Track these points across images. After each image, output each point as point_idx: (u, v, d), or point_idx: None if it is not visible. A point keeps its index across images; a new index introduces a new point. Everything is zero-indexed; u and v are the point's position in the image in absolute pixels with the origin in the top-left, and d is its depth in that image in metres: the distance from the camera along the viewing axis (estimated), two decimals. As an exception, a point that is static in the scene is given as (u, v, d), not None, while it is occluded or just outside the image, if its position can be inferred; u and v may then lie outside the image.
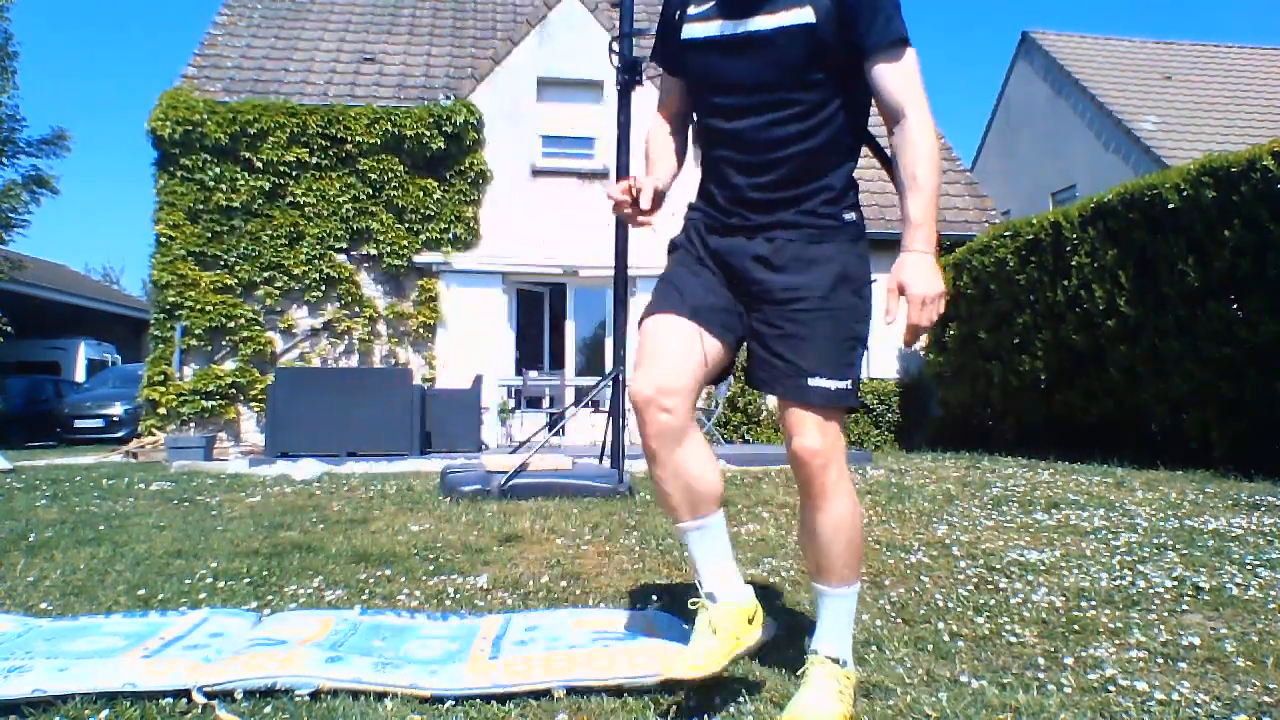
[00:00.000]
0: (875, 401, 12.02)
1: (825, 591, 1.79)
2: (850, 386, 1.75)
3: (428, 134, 11.44)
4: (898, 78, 1.71)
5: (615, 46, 5.57)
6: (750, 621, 1.79)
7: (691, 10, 1.82)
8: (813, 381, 1.71)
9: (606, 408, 6.30)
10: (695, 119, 1.94)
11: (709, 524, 1.82)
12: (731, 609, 1.76)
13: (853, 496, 1.78)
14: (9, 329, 15.04)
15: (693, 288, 1.83)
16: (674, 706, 1.74)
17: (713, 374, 1.84)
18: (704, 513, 1.80)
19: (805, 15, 1.68)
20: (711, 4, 1.79)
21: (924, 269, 1.66)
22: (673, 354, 1.77)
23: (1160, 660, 2.01)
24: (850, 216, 1.82)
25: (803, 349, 1.73)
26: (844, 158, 1.83)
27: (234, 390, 11.19)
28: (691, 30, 1.81)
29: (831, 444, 1.72)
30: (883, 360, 12.45)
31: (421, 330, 11.61)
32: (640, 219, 1.83)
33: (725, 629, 1.73)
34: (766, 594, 2.66)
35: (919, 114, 1.71)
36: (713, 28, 1.77)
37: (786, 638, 2.21)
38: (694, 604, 1.81)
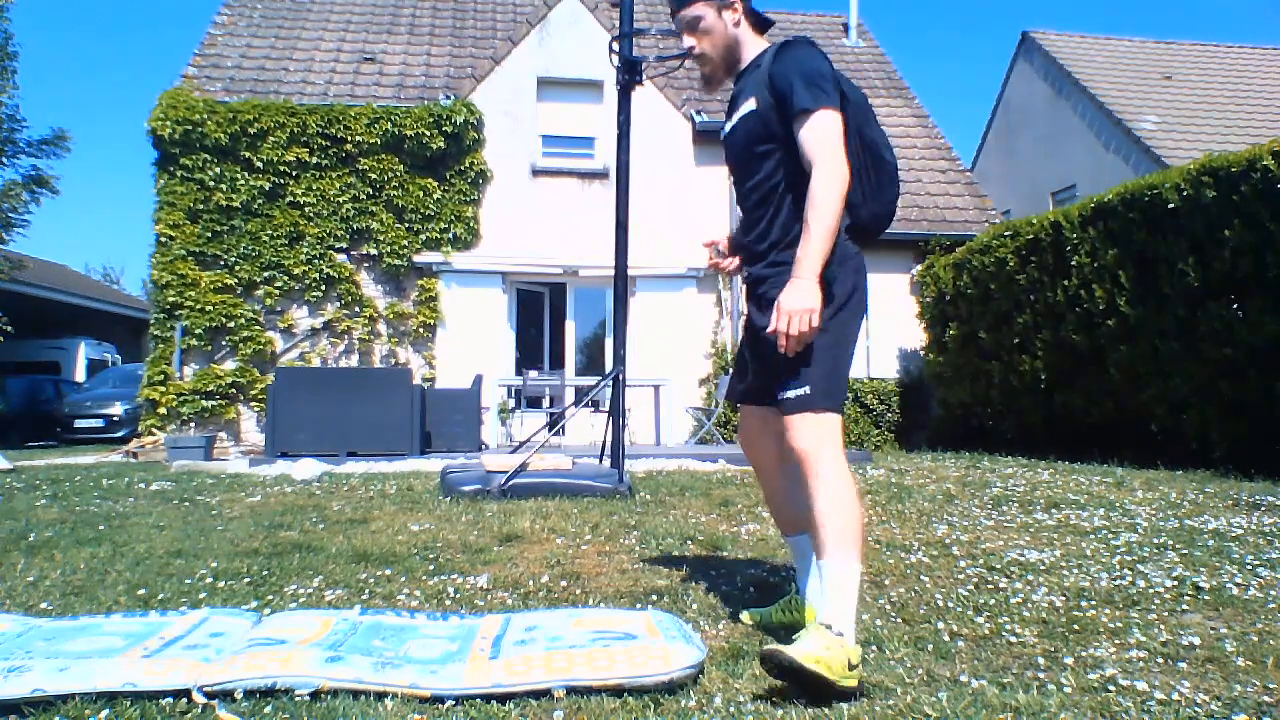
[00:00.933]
0: (875, 401, 12.01)
1: (819, 564, 2.01)
2: (809, 392, 2.04)
3: (428, 134, 11.44)
4: (806, 140, 2.06)
5: (615, 46, 5.56)
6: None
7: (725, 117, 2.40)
8: (781, 394, 2.08)
9: (606, 408, 6.29)
10: None
11: (795, 542, 2.37)
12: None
13: (841, 481, 2.01)
14: (9, 329, 15.04)
15: (735, 380, 2.43)
16: (674, 706, 1.74)
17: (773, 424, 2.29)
18: (790, 533, 2.38)
19: (751, 105, 2.18)
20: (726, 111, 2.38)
21: (795, 290, 1.99)
22: (745, 424, 2.46)
23: (1160, 660, 2.01)
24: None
25: (771, 369, 2.13)
26: (800, 215, 2.10)
27: (234, 390, 11.20)
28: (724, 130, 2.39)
29: (811, 436, 2.04)
30: (883, 360, 12.46)
31: (421, 330, 11.62)
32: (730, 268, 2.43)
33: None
34: (767, 594, 2.67)
35: (821, 170, 2.02)
36: (725, 126, 2.34)
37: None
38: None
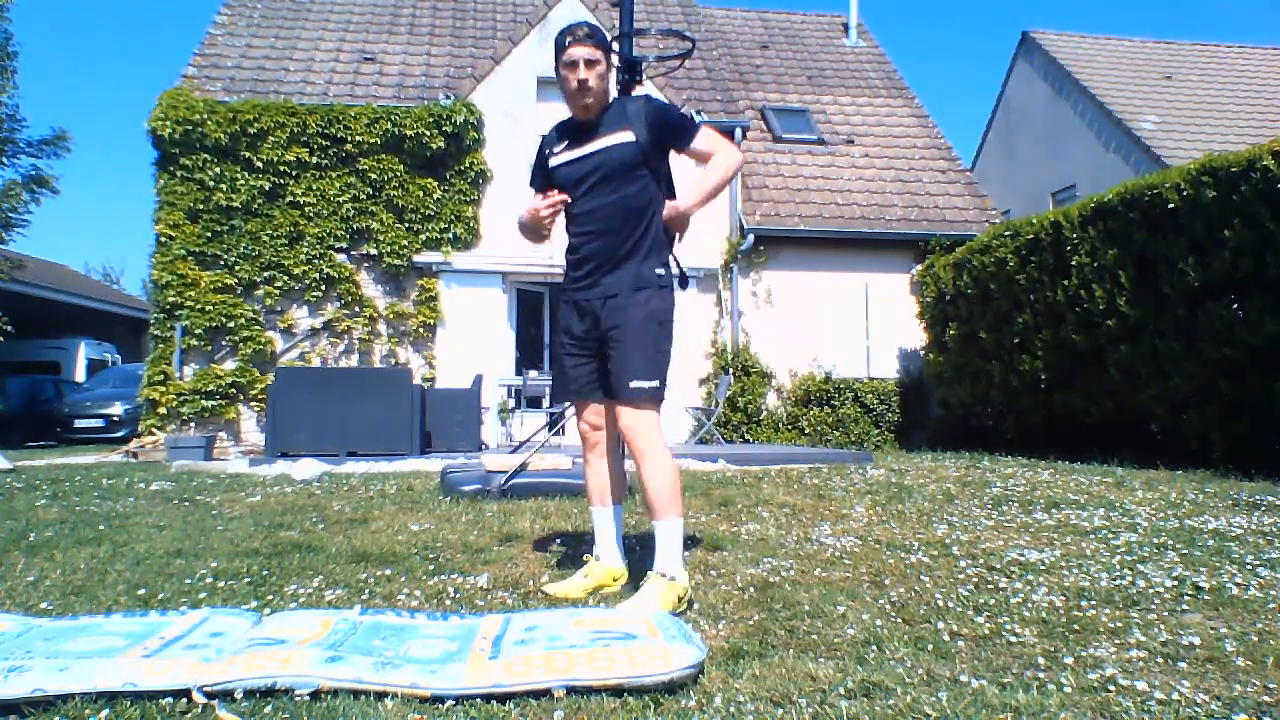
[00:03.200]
0: (875, 401, 12.01)
1: (655, 525, 2.58)
2: (659, 385, 2.63)
3: (428, 134, 11.44)
4: (704, 142, 2.72)
5: (615, 46, 5.55)
6: (615, 580, 2.76)
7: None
8: (633, 384, 2.59)
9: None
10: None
11: (608, 511, 2.83)
12: (604, 566, 2.79)
13: (664, 454, 2.60)
14: (9, 329, 15.03)
15: (579, 374, 2.77)
16: (674, 706, 1.74)
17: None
18: (606, 504, 2.84)
19: (628, 136, 2.67)
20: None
21: (680, 213, 2.73)
22: (588, 414, 2.83)
23: (1160, 660, 2.01)
24: (659, 271, 2.68)
25: (623, 363, 2.60)
26: (660, 236, 2.72)
27: (234, 390, 11.19)
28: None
29: (643, 421, 2.60)
30: (883, 360, 12.46)
31: (421, 330, 11.62)
32: (546, 225, 2.73)
33: (594, 576, 2.74)
34: (767, 593, 2.67)
35: (724, 152, 2.72)
36: (580, 150, 2.73)
37: (786, 638, 2.21)
38: (585, 558, 2.95)
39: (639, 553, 3.36)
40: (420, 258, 11.58)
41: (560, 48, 2.69)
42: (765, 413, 12.03)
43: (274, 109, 11.33)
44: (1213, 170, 6.49)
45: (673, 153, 2.80)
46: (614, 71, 2.80)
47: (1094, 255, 7.69)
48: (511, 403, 11.70)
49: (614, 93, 2.88)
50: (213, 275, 11.14)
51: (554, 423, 8.26)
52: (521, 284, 12.19)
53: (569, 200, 2.71)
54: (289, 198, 11.34)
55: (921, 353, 11.62)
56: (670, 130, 2.70)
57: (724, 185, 2.72)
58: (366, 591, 2.75)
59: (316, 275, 11.35)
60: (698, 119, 12.37)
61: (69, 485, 6.12)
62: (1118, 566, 3.01)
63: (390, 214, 11.52)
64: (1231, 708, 1.70)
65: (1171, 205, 6.81)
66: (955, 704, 1.72)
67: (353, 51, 13.19)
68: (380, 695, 1.76)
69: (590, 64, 2.67)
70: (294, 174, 11.33)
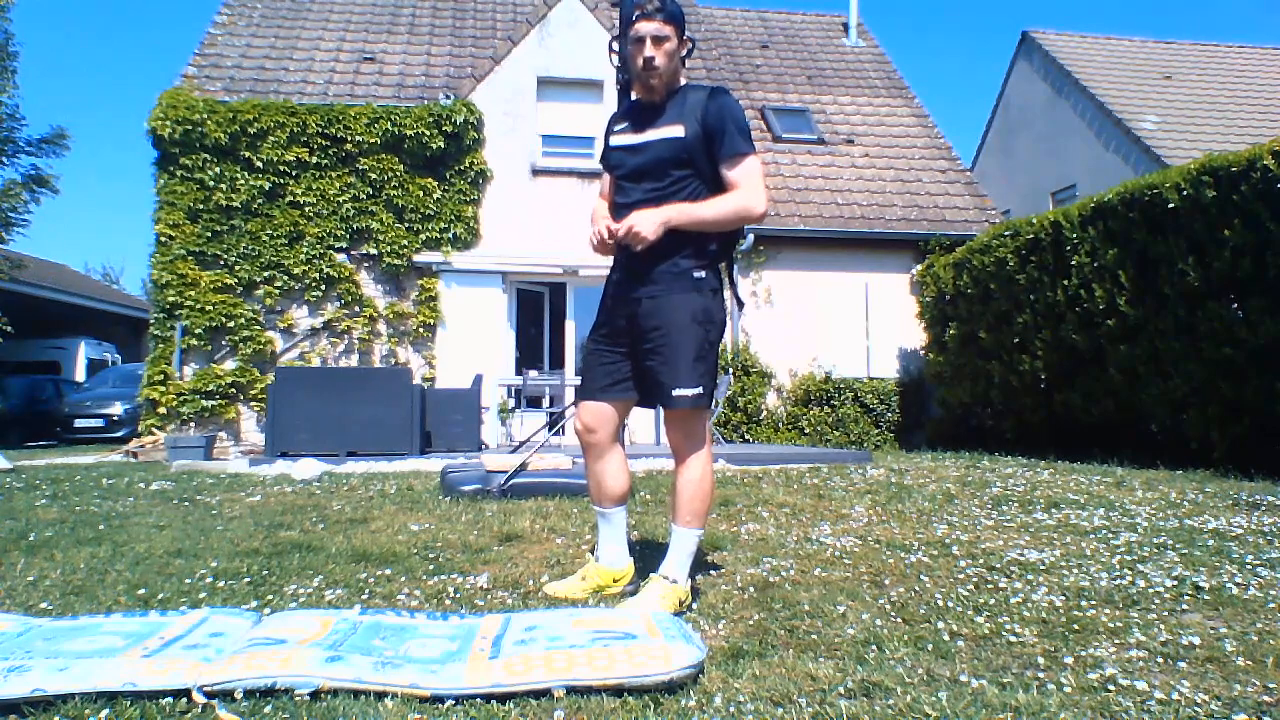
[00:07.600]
0: (875, 401, 12.01)
1: (673, 529, 2.61)
2: (701, 392, 2.52)
3: (428, 134, 11.44)
4: (740, 174, 2.54)
5: (615, 46, 5.56)
6: (615, 581, 2.72)
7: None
8: (676, 392, 2.51)
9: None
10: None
11: (610, 513, 2.75)
12: (602, 568, 2.74)
13: (705, 465, 2.61)
14: (9, 329, 15.03)
15: (598, 375, 2.67)
16: (674, 706, 1.74)
17: (623, 414, 2.74)
18: (609, 505, 2.74)
19: (679, 131, 2.55)
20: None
21: (647, 214, 2.48)
22: (602, 414, 2.71)
23: (1160, 660, 2.01)
24: (699, 274, 2.56)
25: (664, 369, 2.52)
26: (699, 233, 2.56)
27: (234, 390, 11.19)
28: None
29: (688, 428, 2.60)
30: (883, 360, 12.45)
31: (421, 330, 11.61)
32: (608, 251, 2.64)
33: (594, 577, 2.72)
34: (767, 592, 2.67)
35: (747, 192, 2.53)
36: (633, 139, 2.65)
37: (786, 638, 2.21)
38: (586, 557, 3.02)
39: (638, 553, 3.37)
40: (420, 258, 11.57)
41: (627, 21, 2.53)
42: (765, 412, 12.03)
43: (274, 109, 11.33)
44: (1213, 170, 6.49)
45: None
46: (686, 49, 2.63)
47: (1094, 255, 7.69)
48: (511, 403, 11.70)
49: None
50: (213, 275, 11.13)
51: (554, 423, 8.26)
52: (521, 284, 12.19)
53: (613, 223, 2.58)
54: (289, 198, 11.33)
55: (921, 353, 11.61)
56: (715, 138, 2.53)
57: (722, 224, 2.54)
58: (366, 591, 2.75)
59: (316, 275, 11.35)
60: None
61: (69, 485, 6.11)
62: (1118, 566, 3.01)
63: (390, 214, 11.52)
64: (1231, 708, 1.70)
65: (1171, 205, 6.81)
66: (955, 704, 1.72)
67: (353, 51, 13.19)
68: (380, 695, 1.76)
69: (658, 41, 2.54)
70: (294, 174, 11.33)
